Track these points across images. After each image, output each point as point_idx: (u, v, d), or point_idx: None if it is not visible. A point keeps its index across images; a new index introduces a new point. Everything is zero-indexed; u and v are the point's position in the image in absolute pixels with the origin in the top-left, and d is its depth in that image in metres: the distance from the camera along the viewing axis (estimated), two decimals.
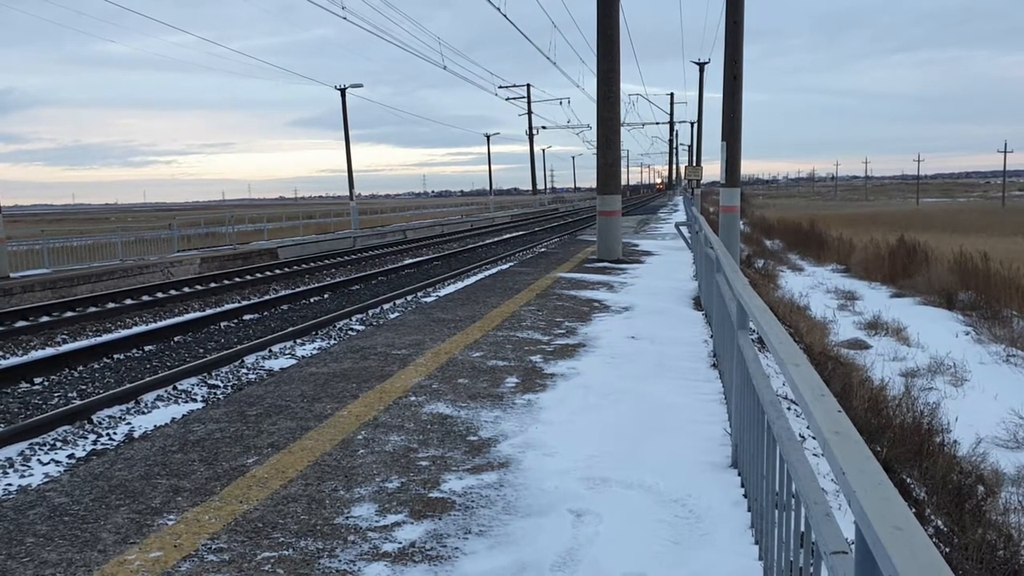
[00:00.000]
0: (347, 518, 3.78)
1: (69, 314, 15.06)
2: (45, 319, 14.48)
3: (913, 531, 1.31)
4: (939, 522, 6.68)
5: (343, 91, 40.51)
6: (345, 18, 24.94)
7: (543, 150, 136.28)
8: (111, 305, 16.28)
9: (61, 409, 8.21)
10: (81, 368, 10.69)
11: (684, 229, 18.38)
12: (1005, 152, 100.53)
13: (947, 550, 5.89)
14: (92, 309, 15.74)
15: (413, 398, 5.88)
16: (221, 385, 9.63)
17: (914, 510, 6.25)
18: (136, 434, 7.78)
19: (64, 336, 13.34)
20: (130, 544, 3.52)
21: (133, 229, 28.05)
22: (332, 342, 12.01)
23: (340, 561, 3.35)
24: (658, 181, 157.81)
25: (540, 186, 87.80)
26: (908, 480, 7.45)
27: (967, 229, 41.94)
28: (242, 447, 4.81)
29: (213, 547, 3.48)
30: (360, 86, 41.10)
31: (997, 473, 8.94)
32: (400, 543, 3.53)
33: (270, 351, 11.44)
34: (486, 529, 3.67)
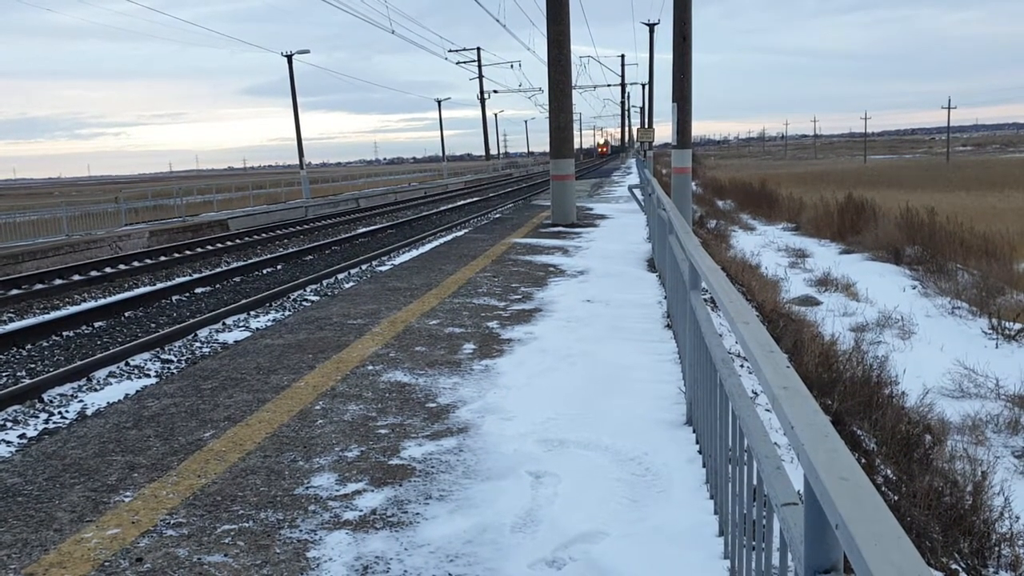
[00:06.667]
0: (307, 488, 3.78)
1: (15, 292, 14.73)
2: None
3: (858, 480, 1.35)
4: (888, 471, 6.88)
5: (289, 58, 39.77)
6: None
7: (495, 115, 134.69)
8: (58, 282, 15.94)
9: (10, 388, 8.05)
10: (30, 346, 10.48)
11: (637, 192, 18.44)
12: (949, 108, 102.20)
13: (895, 498, 6.06)
14: (39, 286, 15.41)
15: (370, 367, 5.87)
16: (175, 359, 9.51)
17: (864, 460, 6.43)
18: (89, 411, 7.67)
19: (11, 314, 13.05)
20: (87, 522, 3.48)
21: (79, 203, 27.39)
22: (287, 313, 11.91)
23: (301, 531, 3.36)
24: (600, 143, 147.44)
25: (493, 151, 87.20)
26: (859, 432, 7.64)
27: (913, 185, 42.71)
28: (198, 421, 4.78)
29: (172, 522, 3.46)
30: (307, 52, 40.39)
31: (943, 422, 9.21)
32: (361, 511, 3.54)
33: (224, 324, 11.31)
34: (447, 494, 3.69)
